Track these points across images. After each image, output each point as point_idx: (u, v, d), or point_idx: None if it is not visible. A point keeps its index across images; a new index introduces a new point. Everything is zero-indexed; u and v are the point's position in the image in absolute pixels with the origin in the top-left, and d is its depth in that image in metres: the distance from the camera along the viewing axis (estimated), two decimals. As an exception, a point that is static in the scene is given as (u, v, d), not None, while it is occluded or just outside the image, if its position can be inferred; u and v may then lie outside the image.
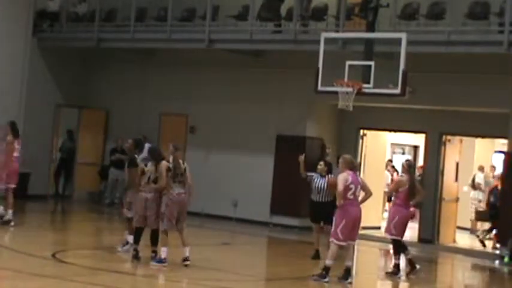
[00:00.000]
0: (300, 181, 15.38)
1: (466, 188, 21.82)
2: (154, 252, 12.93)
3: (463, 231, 21.45)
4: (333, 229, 12.84)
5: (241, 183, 20.31)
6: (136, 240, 13.06)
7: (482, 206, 21.10)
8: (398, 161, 22.15)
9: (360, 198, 12.96)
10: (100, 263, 13.04)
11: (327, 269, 12.69)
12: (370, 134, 20.60)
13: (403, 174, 14.27)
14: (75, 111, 22.94)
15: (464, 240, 20.57)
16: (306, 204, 15.72)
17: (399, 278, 13.95)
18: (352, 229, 12.78)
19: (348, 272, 12.81)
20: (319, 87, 15.90)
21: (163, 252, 12.73)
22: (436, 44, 16.63)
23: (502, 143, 20.67)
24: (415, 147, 25.60)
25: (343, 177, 12.73)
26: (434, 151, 19.31)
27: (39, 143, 21.91)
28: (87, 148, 23.03)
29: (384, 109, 19.07)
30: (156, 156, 13.02)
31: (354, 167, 13.08)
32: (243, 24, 19.18)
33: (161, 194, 12.92)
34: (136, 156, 13.61)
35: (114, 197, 21.45)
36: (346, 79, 15.45)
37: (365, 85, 15.41)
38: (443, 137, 19.30)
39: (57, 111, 22.64)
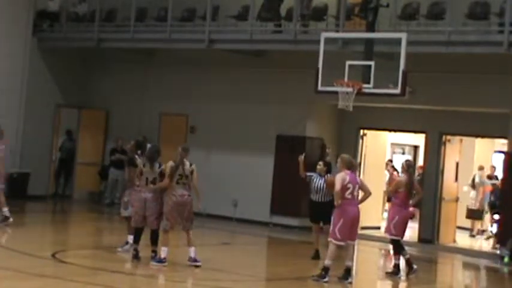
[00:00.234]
0: (299, 181, 15.37)
1: (466, 188, 21.82)
2: (154, 252, 12.94)
3: (463, 231, 21.44)
4: (331, 229, 12.86)
5: (241, 183, 20.31)
6: (136, 240, 13.06)
7: (475, 204, 21.22)
8: (399, 161, 22.13)
9: (359, 198, 12.98)
10: (100, 263, 13.04)
11: (326, 269, 12.70)
12: (370, 134, 20.60)
13: (403, 174, 14.27)
14: (75, 111, 22.95)
15: (464, 240, 20.56)
16: (305, 204, 15.74)
17: (399, 278, 13.96)
18: (351, 229, 12.77)
19: (348, 272, 12.81)
20: (319, 87, 15.90)
21: (163, 251, 12.73)
22: (436, 44, 16.63)
23: (502, 143, 20.67)
24: (415, 147, 25.59)
25: (340, 177, 12.74)
26: (434, 151, 19.30)
27: (39, 143, 21.94)
28: (87, 148, 23.03)
29: (384, 109, 19.08)
30: (150, 157, 13.01)
31: (352, 167, 13.07)
32: (243, 25, 19.18)
33: (162, 194, 12.94)
34: (137, 156, 13.59)
35: (114, 197, 21.44)
36: (346, 79, 15.45)
37: (365, 85, 15.40)
38: (443, 137, 19.29)
39: (57, 111, 22.65)
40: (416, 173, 20.34)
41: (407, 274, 14.05)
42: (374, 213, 20.65)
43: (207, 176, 19.67)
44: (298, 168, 14.90)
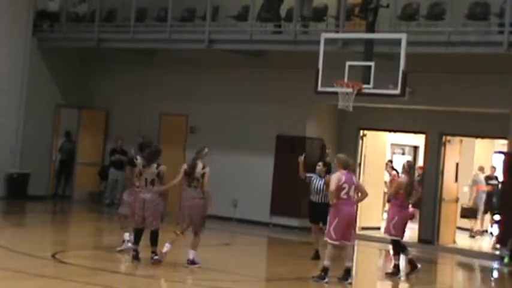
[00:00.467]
0: (299, 181, 15.37)
1: (466, 189, 21.82)
2: (154, 252, 12.93)
3: (463, 231, 21.45)
4: (326, 228, 12.87)
5: (241, 183, 20.31)
6: (137, 241, 13.06)
7: (468, 204, 21.28)
8: (399, 162, 22.11)
9: (355, 198, 12.99)
10: (100, 263, 13.04)
11: (325, 270, 12.69)
12: (370, 134, 20.60)
13: (403, 175, 14.26)
14: (75, 112, 22.95)
15: (464, 240, 20.56)
16: (305, 205, 15.73)
17: (399, 278, 13.95)
18: (346, 228, 12.76)
19: (347, 273, 12.81)
20: (319, 88, 15.90)
21: (165, 247, 12.76)
22: (436, 44, 16.63)
23: (502, 144, 20.66)
24: (415, 148, 25.57)
25: (336, 177, 12.76)
26: (434, 151, 19.30)
27: (39, 143, 21.94)
28: (87, 148, 23.02)
29: (384, 109, 19.08)
30: (149, 157, 13.01)
31: (348, 167, 13.05)
32: (243, 25, 19.19)
33: (162, 195, 12.97)
34: (138, 157, 13.58)
35: (114, 197, 21.43)
36: (346, 79, 15.45)
37: (365, 85, 15.40)
38: (443, 137, 19.29)
39: (57, 111, 22.65)
40: (416, 174, 20.33)
41: (408, 274, 14.06)
42: (374, 214, 20.67)
43: (207, 176, 19.71)
44: (298, 169, 14.90)
